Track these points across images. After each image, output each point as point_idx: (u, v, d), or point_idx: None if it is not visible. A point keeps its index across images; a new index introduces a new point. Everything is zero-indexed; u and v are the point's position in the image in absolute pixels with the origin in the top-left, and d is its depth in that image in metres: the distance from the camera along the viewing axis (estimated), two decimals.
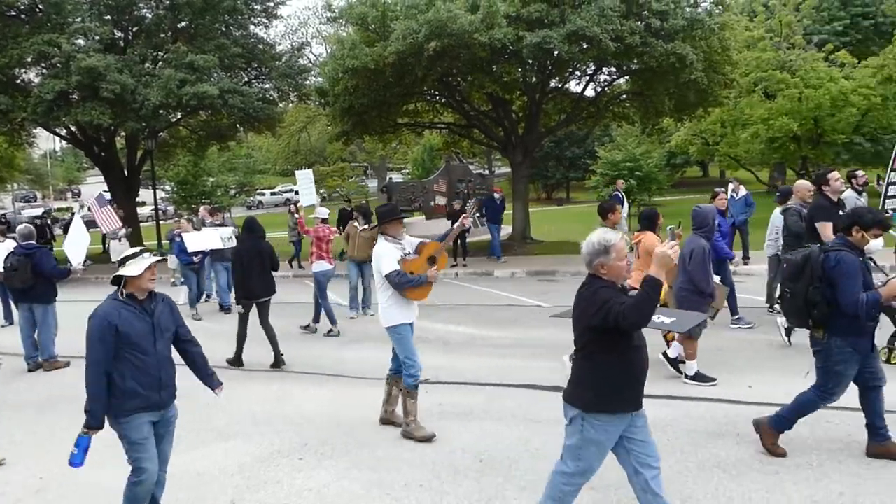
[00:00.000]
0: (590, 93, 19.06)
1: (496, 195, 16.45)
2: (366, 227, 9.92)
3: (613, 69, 16.86)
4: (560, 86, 18.66)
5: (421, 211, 22.52)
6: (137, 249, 3.91)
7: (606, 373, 3.44)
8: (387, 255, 5.24)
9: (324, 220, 9.70)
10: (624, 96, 18.32)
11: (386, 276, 5.20)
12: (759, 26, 22.96)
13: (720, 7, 16.42)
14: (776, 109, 20.62)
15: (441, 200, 21.40)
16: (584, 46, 13.56)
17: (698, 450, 4.78)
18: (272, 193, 50.67)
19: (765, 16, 23.53)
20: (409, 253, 5.38)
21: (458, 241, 15.61)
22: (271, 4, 21.38)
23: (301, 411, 6.11)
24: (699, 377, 6.24)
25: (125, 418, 3.72)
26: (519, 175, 18.13)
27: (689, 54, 13.58)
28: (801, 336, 7.07)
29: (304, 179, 10.04)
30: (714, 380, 6.21)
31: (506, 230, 17.97)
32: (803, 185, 8.17)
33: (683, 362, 6.45)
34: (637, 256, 6.81)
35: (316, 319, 9.47)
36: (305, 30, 35.75)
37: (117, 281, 3.80)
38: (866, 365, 4.44)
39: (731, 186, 13.36)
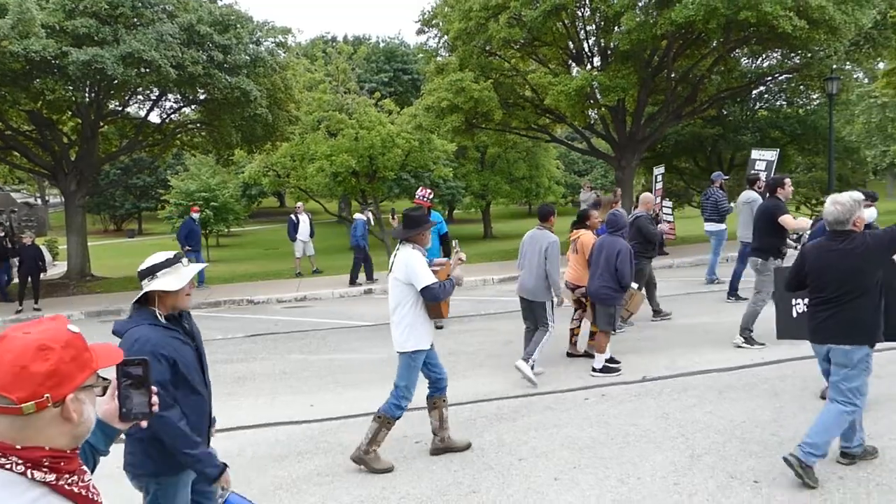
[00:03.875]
0: (156, 119, 18.11)
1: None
2: None
3: (179, 97, 16.34)
4: (120, 109, 17.27)
5: None
6: (170, 255, 2.89)
7: (878, 307, 4.10)
8: (424, 265, 4.64)
9: None
10: (192, 125, 17.90)
11: (427, 287, 4.58)
12: (320, 70, 25.01)
13: (282, 49, 17.37)
14: (337, 147, 22.62)
15: None
16: (143, 70, 12.84)
17: (261, 475, 4.88)
18: None
19: (324, 61, 25.75)
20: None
21: (30, 280, 13.11)
22: None
23: None
24: (606, 369, 6.73)
25: (171, 476, 2.88)
26: (73, 205, 16.12)
27: (253, 90, 13.99)
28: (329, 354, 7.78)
29: None
30: (619, 369, 6.78)
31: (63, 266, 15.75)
32: (649, 198, 9.37)
33: (618, 363, 6.89)
34: (575, 252, 7.33)
35: None
36: None
37: (142, 299, 2.85)
38: None
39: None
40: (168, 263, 2.85)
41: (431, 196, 9.57)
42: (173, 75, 12.70)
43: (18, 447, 1.30)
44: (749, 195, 9.58)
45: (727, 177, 12.48)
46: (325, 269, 17.17)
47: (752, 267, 7.73)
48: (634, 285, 7.50)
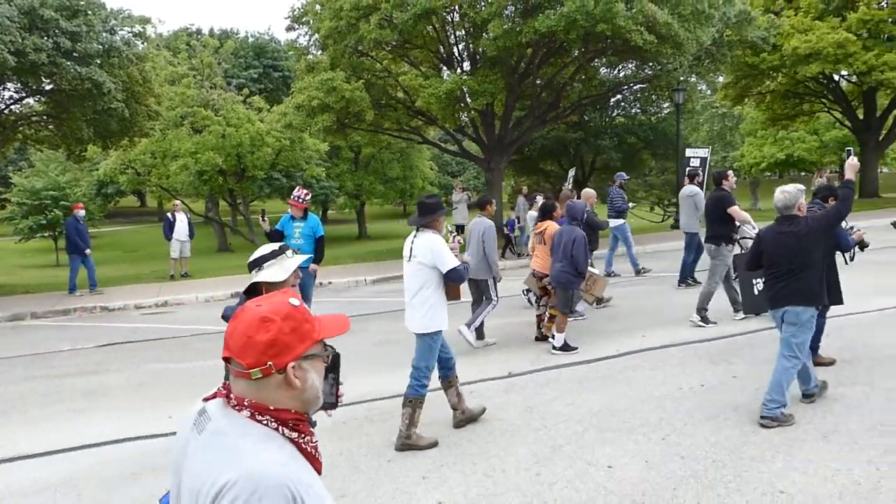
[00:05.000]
0: None
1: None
2: None
3: (20, 86, 14.92)
4: None
5: None
6: (275, 246, 3.16)
7: (822, 274, 4.98)
8: (447, 249, 4.96)
9: None
10: (37, 117, 16.40)
11: (454, 269, 4.90)
12: (183, 63, 23.79)
13: (141, 39, 16.32)
14: (203, 144, 21.65)
15: None
16: None
17: (113, 496, 4.57)
18: None
19: (187, 54, 24.52)
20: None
21: None
22: None
23: None
24: (565, 347, 7.32)
25: None
26: None
27: (107, 82, 13.06)
28: None
29: None
30: (576, 348, 7.35)
31: None
32: (591, 193, 10.01)
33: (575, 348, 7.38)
34: (542, 243, 7.87)
35: None
36: None
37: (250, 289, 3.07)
38: None
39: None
40: (273, 255, 3.07)
41: (309, 197, 9.00)
42: (11, 62, 11.57)
43: (272, 408, 1.47)
44: (691, 189, 10.40)
45: (627, 177, 13.47)
46: (192, 272, 16.34)
47: (707, 253, 8.48)
48: (597, 270, 8.36)
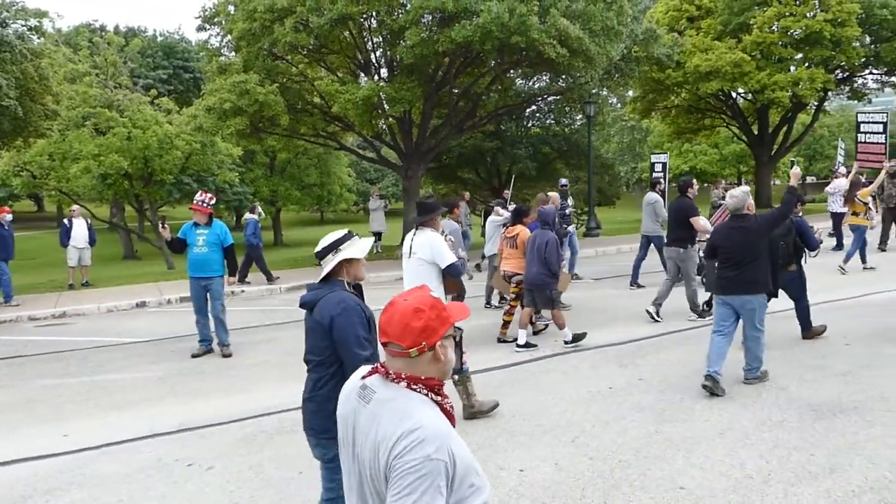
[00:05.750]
0: None
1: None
2: None
3: None
4: None
5: None
6: (344, 231, 3.29)
7: (768, 265, 5.84)
8: (446, 246, 5.29)
9: None
10: None
11: (453, 264, 5.22)
12: (85, 61, 22.54)
13: (37, 34, 15.41)
14: (107, 146, 20.55)
15: None
16: None
17: None
18: None
19: (89, 51, 23.27)
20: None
21: None
22: None
23: None
24: (575, 338, 7.66)
25: None
26: None
27: None
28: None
29: None
30: (585, 334, 7.75)
31: None
32: (556, 197, 10.48)
33: (535, 345, 7.76)
34: (514, 247, 8.13)
35: None
36: None
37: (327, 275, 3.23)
38: None
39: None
40: (346, 238, 3.24)
41: (213, 201, 8.47)
42: None
43: (423, 377, 1.88)
44: (652, 196, 11.17)
45: (567, 183, 13.82)
46: (95, 280, 15.49)
47: (669, 256, 9.10)
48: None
